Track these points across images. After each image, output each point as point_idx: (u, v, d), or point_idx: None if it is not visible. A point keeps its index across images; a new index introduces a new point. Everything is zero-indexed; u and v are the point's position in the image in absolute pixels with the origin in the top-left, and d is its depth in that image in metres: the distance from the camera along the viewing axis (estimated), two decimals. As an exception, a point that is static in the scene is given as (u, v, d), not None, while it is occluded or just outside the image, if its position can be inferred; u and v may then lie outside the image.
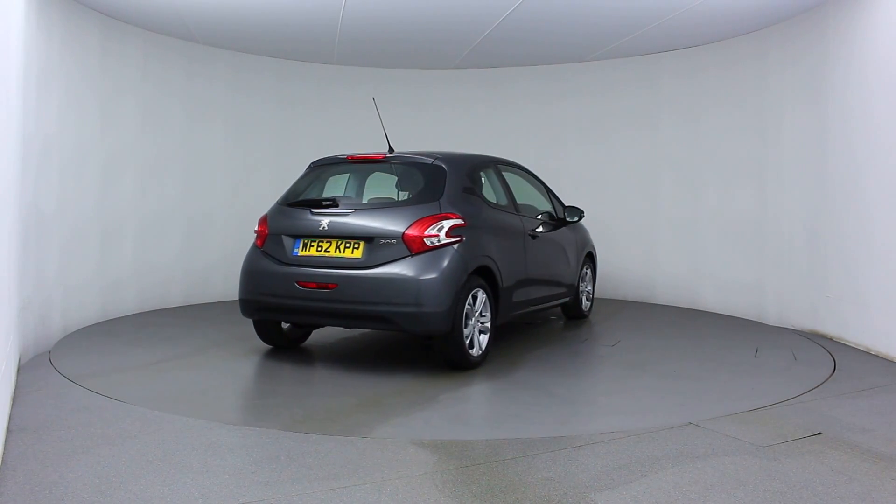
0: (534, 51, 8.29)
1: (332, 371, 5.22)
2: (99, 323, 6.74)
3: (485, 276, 5.27)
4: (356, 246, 5.00)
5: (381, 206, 5.30)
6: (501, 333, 6.65)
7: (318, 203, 5.34)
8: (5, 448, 3.41)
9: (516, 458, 3.39)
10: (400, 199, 5.44)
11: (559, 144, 9.07)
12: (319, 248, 5.11)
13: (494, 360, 5.47)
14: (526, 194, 6.70)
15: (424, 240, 4.87)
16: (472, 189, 5.46)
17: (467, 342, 5.05)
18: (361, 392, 4.59)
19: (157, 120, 7.58)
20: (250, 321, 5.76)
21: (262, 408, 4.36)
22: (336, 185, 5.87)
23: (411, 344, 6.09)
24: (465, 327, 5.03)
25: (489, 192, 5.83)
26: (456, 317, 4.89)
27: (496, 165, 6.15)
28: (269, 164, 8.45)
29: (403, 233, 4.89)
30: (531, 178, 6.77)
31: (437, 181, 5.22)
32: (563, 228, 6.81)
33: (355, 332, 6.53)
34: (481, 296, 5.18)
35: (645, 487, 3.06)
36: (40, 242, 5.65)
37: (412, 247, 4.86)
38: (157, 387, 4.66)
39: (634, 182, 8.67)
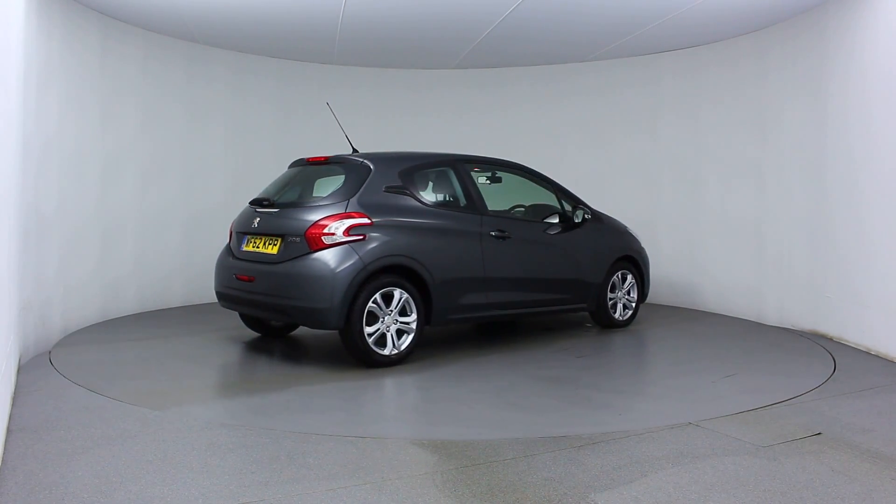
0: (534, 51, 8.29)
1: (258, 358, 5.66)
2: (99, 323, 6.74)
3: (409, 276, 5.32)
4: (275, 242, 5.34)
5: (299, 205, 5.50)
6: (491, 334, 6.65)
7: (260, 202, 5.68)
8: (5, 448, 3.41)
9: (516, 458, 3.39)
10: (314, 199, 5.56)
11: (559, 144, 9.07)
12: (255, 245, 5.53)
13: (424, 360, 5.47)
14: (527, 195, 6.63)
15: (322, 238, 5.07)
16: (401, 189, 5.47)
17: (371, 340, 5.11)
18: (230, 376, 5.10)
19: (157, 120, 7.58)
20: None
21: (122, 377, 4.83)
22: (297, 185, 5.96)
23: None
24: (370, 325, 5.11)
25: (434, 191, 5.88)
26: (352, 314, 5.00)
27: (460, 165, 5.99)
28: (269, 163, 8.43)
29: (305, 231, 5.12)
30: (536, 178, 6.54)
31: (358, 181, 5.38)
32: (579, 230, 6.50)
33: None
34: (398, 294, 5.23)
35: (645, 487, 3.06)
36: (40, 242, 5.65)
37: (311, 244, 5.09)
38: (158, 386, 4.66)
39: (634, 182, 8.67)
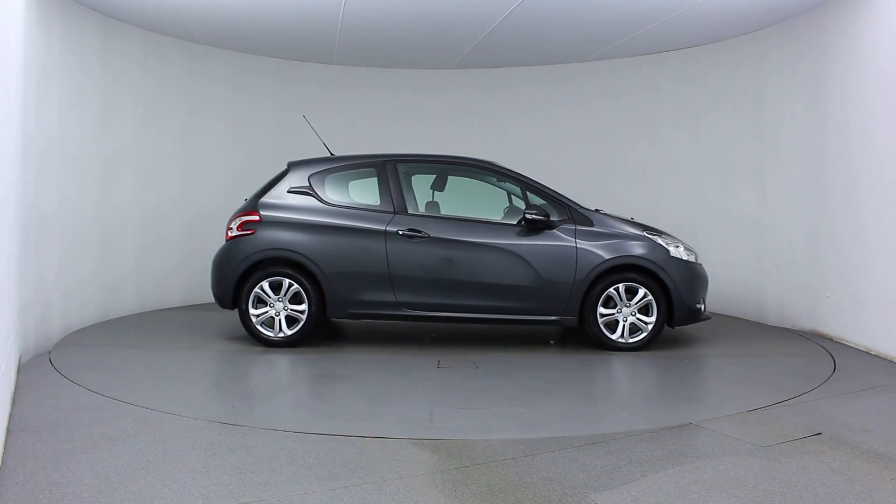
0: (534, 51, 8.28)
1: (258, 354, 5.66)
2: (99, 323, 6.74)
3: (300, 268, 5.85)
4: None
5: (244, 204, 6.22)
6: (478, 336, 6.65)
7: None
8: (5, 448, 3.41)
9: (516, 459, 3.39)
10: (248, 198, 6.28)
11: (558, 144, 9.06)
12: None
13: (320, 346, 5.95)
14: (487, 196, 6.36)
15: (227, 232, 6.04)
16: (304, 190, 6.05)
17: (257, 321, 5.83)
18: (230, 375, 5.33)
19: (157, 120, 7.57)
20: None
21: (122, 377, 4.95)
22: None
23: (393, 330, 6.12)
24: (260, 308, 5.84)
25: (347, 192, 6.19)
26: (238, 297, 5.86)
27: (389, 165, 6.02)
28: (269, 163, 8.40)
29: (227, 226, 6.08)
30: (502, 176, 6.12)
31: (274, 182, 6.16)
32: (546, 232, 5.82)
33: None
34: (286, 284, 5.83)
35: (645, 487, 3.06)
36: (40, 243, 5.65)
37: (226, 237, 6.05)
38: (157, 386, 4.66)
39: (634, 181, 8.66)
